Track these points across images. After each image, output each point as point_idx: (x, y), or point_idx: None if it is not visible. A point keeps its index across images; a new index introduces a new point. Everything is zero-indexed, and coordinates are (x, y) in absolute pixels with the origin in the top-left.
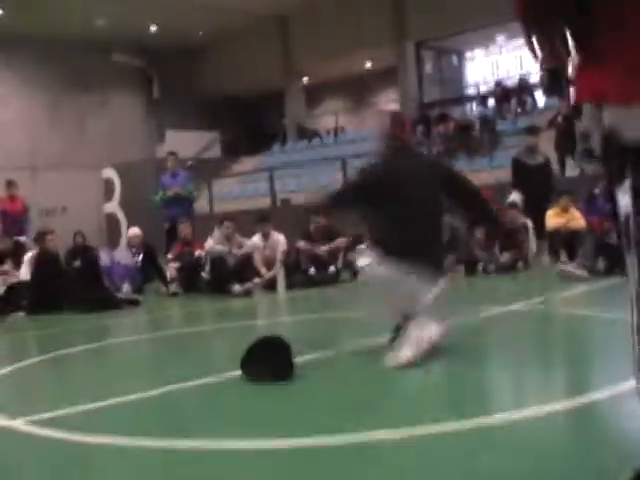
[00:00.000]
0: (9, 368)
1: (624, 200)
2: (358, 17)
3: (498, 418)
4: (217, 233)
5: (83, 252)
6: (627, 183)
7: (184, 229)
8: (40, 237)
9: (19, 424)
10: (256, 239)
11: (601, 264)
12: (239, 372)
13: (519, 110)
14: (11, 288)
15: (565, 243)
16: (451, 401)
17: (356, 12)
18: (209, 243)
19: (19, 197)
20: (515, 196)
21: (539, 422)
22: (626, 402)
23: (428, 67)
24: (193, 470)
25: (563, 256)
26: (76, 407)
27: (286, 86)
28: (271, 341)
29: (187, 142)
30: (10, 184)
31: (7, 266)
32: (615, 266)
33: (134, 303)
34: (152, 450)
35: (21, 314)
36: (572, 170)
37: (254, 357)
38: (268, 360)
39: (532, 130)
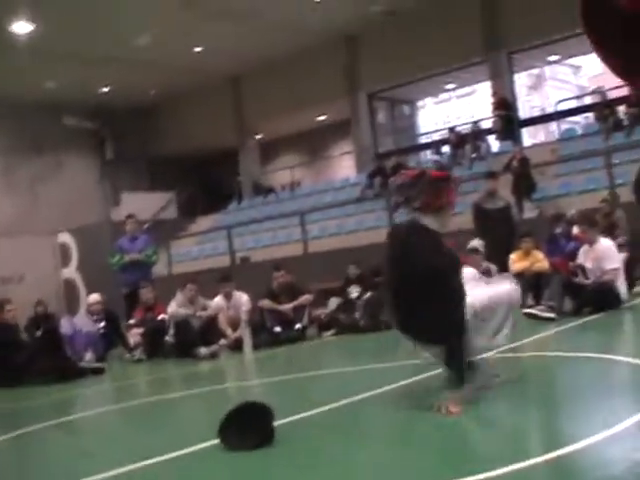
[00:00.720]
0: None
1: None
2: (311, 72)
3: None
4: (180, 296)
5: (44, 321)
6: None
7: (146, 293)
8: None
9: None
10: (219, 300)
11: (568, 304)
12: (216, 441)
13: (474, 156)
14: None
15: (530, 286)
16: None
17: (309, 68)
18: (172, 307)
19: None
20: (476, 242)
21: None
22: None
23: (381, 117)
24: None
25: (529, 299)
26: None
27: (240, 143)
28: (250, 407)
29: (143, 203)
30: None
31: None
32: (582, 305)
33: (98, 372)
34: None
35: None
36: (530, 212)
37: (233, 424)
38: (248, 427)
39: (491, 175)
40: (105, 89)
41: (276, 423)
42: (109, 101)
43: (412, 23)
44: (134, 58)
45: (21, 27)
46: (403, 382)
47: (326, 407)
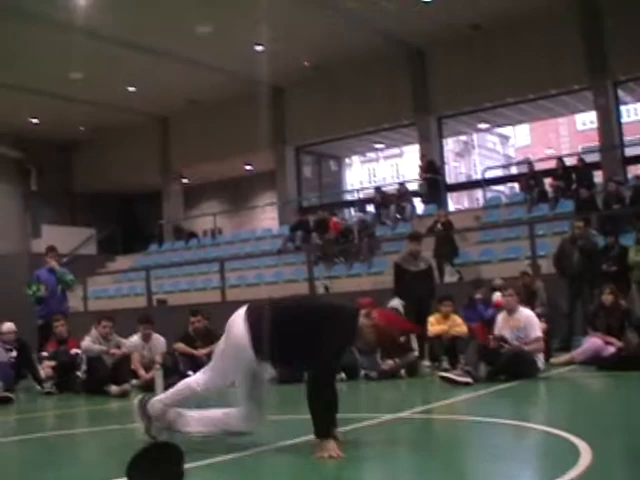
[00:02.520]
0: None
1: None
2: (238, 120)
3: None
4: (94, 332)
5: None
6: None
7: (59, 326)
8: None
9: None
10: (135, 339)
11: (483, 370)
12: None
13: (398, 216)
14: None
15: (447, 349)
16: None
17: (238, 116)
18: (86, 342)
19: None
20: (396, 302)
21: None
22: None
23: (307, 171)
24: None
25: (445, 363)
26: None
27: (164, 186)
28: (161, 447)
29: (63, 237)
30: None
31: None
32: (497, 372)
33: (5, 401)
34: None
35: None
36: (450, 276)
37: (141, 466)
38: (157, 469)
39: (414, 237)
40: (34, 120)
41: (189, 465)
42: (37, 132)
43: (342, 80)
44: (66, 92)
45: None
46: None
47: (232, 455)
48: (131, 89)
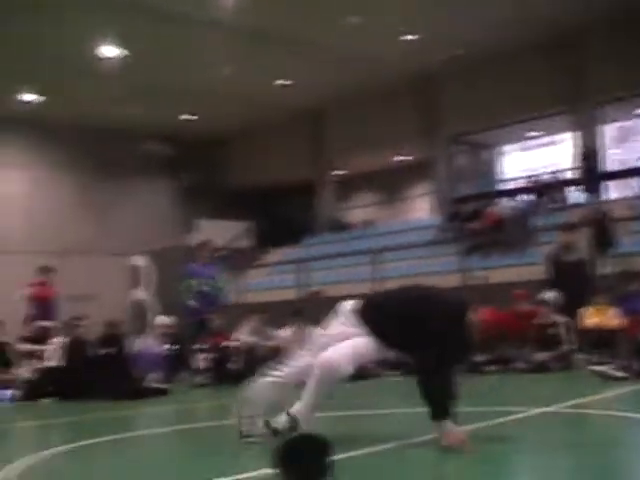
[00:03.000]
0: (31, 457)
1: None
2: (392, 111)
3: None
4: (247, 325)
5: (113, 340)
6: None
7: (213, 320)
8: (71, 323)
9: None
10: (287, 332)
11: (636, 365)
12: (267, 471)
13: (553, 206)
14: (41, 373)
15: (600, 343)
16: None
17: (390, 107)
18: (240, 335)
19: (50, 283)
20: (549, 294)
21: None
22: None
23: (461, 161)
24: None
25: (597, 356)
26: None
27: (318, 178)
28: (308, 438)
29: (218, 231)
30: (46, 270)
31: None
32: None
33: (161, 392)
34: None
35: (49, 400)
36: (606, 268)
37: (288, 456)
38: (305, 459)
39: (567, 227)
40: (185, 117)
41: (340, 457)
42: (191, 128)
43: (496, 68)
44: (216, 89)
45: (109, 51)
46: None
47: (380, 447)
48: (284, 83)
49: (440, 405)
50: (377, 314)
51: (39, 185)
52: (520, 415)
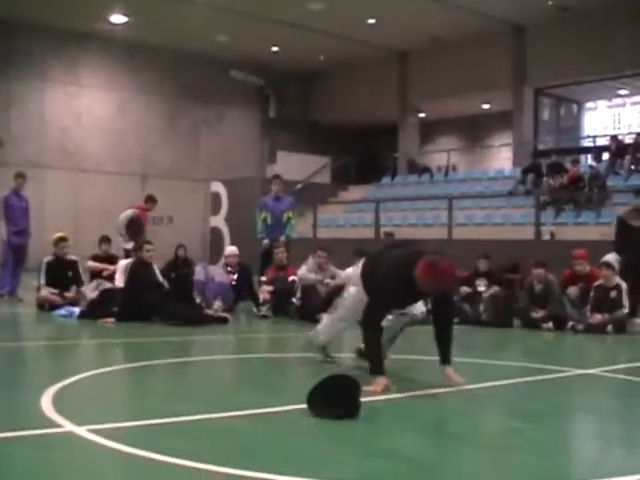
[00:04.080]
0: (88, 374)
1: None
2: (478, 58)
3: None
4: (311, 261)
5: (182, 265)
6: None
7: (279, 253)
8: (139, 247)
9: (81, 431)
10: (351, 270)
11: None
12: (304, 405)
13: (633, 167)
14: (104, 293)
15: None
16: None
17: (477, 54)
18: (302, 270)
19: (150, 211)
20: (611, 256)
21: None
22: None
23: (545, 114)
24: None
25: None
26: (142, 421)
27: (400, 120)
28: (340, 379)
29: (297, 165)
30: (152, 199)
31: (106, 272)
32: None
33: (223, 321)
34: (209, 475)
35: (111, 320)
36: None
37: (321, 394)
38: (335, 398)
39: None
40: (275, 49)
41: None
42: (277, 61)
43: (586, 22)
44: (307, 23)
45: None
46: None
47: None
48: (371, 21)
49: (371, 364)
50: (365, 271)
51: (125, 108)
52: (560, 375)
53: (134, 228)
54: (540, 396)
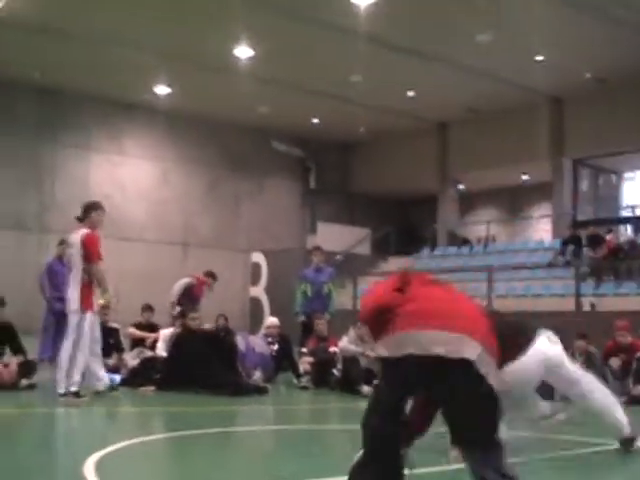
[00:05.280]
0: (128, 442)
1: None
2: (518, 130)
3: None
4: (352, 333)
5: (224, 335)
6: None
7: (319, 324)
8: (183, 315)
9: None
10: None
11: None
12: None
13: None
14: (145, 362)
15: None
16: None
17: (516, 125)
18: (343, 342)
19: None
20: None
21: None
22: None
23: (584, 185)
24: None
25: None
26: None
27: (440, 190)
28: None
29: (338, 235)
30: (212, 275)
31: (148, 340)
32: None
33: (263, 391)
34: None
35: (151, 388)
36: None
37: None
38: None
39: None
40: (315, 120)
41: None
42: (318, 132)
43: (623, 93)
44: (347, 95)
45: (242, 52)
46: None
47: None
48: (410, 94)
49: None
50: None
51: (168, 177)
52: (598, 448)
53: (188, 296)
54: (586, 472)
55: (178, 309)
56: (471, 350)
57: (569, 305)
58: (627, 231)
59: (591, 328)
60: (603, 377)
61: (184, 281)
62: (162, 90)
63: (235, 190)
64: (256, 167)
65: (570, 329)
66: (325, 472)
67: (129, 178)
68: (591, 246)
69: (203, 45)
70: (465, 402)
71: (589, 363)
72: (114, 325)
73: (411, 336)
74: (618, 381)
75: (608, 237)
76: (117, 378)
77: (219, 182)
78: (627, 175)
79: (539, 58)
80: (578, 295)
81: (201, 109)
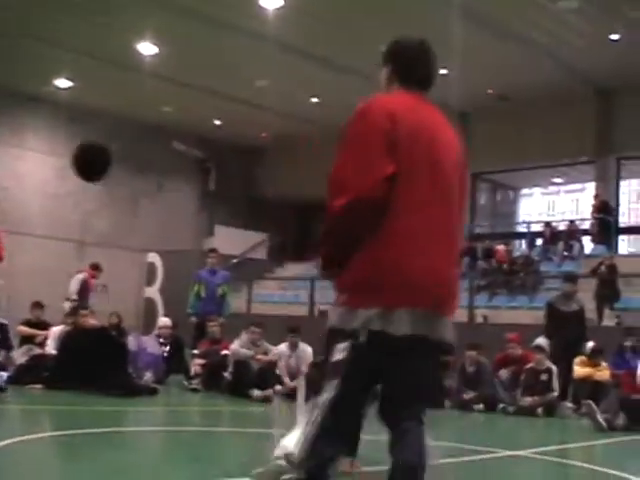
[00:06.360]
0: (11, 440)
1: None
2: None
3: None
4: (244, 336)
5: (115, 334)
6: None
7: (212, 327)
8: (74, 313)
9: None
10: (283, 347)
11: (620, 420)
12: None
13: (565, 254)
14: (34, 359)
15: (589, 393)
16: None
17: None
18: (234, 345)
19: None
20: (541, 340)
21: None
22: None
23: (482, 199)
24: None
25: (585, 407)
26: None
27: None
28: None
29: (235, 239)
30: (98, 268)
31: (38, 338)
32: (635, 423)
33: (152, 392)
34: None
35: (39, 387)
36: (609, 320)
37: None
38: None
39: (570, 278)
40: (217, 122)
41: None
42: (219, 135)
43: (524, 111)
44: (250, 99)
45: (146, 48)
46: None
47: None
48: (314, 100)
49: None
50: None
51: (65, 173)
52: (488, 456)
53: (82, 292)
54: (469, 477)
55: (69, 305)
56: None
57: (462, 316)
58: (522, 246)
59: (483, 340)
60: (493, 387)
61: (79, 277)
62: (63, 83)
63: (133, 189)
64: (156, 167)
65: (462, 340)
66: (215, 472)
67: (28, 172)
68: (485, 259)
69: (106, 39)
70: None
71: (479, 373)
72: (2, 321)
73: None
74: (507, 392)
75: (498, 247)
76: (4, 375)
77: (117, 180)
78: (524, 192)
79: (443, 72)
80: (471, 307)
81: (102, 105)
